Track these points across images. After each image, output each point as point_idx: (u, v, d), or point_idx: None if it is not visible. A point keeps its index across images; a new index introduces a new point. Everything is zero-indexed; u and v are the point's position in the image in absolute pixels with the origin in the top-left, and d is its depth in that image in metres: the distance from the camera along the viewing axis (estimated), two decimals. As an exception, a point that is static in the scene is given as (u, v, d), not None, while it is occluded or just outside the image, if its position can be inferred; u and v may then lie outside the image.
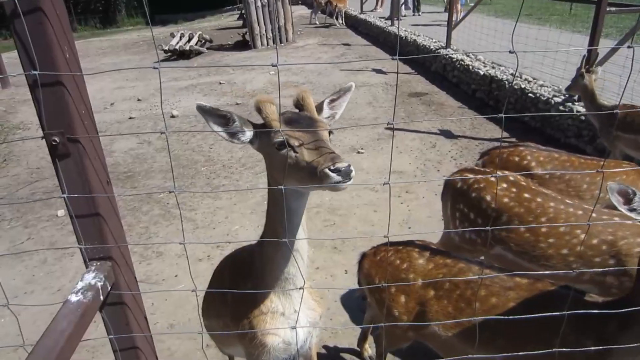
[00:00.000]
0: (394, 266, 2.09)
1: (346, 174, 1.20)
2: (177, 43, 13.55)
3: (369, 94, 8.41)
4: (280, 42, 14.22)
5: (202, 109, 1.32)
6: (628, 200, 1.37)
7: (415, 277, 2.02)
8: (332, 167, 1.20)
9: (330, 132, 1.43)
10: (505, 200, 2.48)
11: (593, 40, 5.40)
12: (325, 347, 2.97)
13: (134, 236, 4.40)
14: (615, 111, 3.92)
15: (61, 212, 4.88)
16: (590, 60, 4.47)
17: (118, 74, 11.40)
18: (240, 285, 1.67)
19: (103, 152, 1.35)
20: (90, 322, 1.33)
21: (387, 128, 6.62)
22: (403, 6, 16.72)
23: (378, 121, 6.94)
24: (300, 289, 1.56)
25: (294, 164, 1.30)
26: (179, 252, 4.09)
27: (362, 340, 2.83)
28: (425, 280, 1.98)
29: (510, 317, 1.68)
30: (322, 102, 1.55)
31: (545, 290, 1.75)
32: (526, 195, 2.45)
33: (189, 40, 14.00)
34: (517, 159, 3.11)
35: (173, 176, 5.74)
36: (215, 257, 3.92)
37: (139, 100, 9.20)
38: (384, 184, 1.27)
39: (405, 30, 12.57)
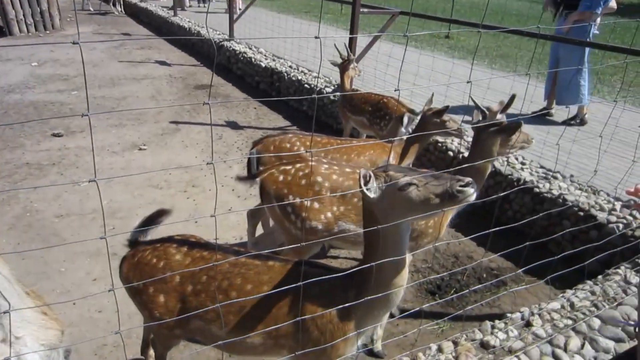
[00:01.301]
0: (151, 265, 2.00)
1: None
2: None
3: (152, 87, 7.99)
4: (45, 29, 12.46)
5: None
6: (366, 182, 1.57)
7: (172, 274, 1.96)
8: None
9: None
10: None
11: (352, 34, 6.07)
12: (104, 361, 2.75)
13: None
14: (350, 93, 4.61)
15: None
16: (350, 55, 5.02)
17: None
18: None
19: None
20: None
21: (171, 122, 6.39)
22: (187, -4, 16.32)
23: (162, 116, 6.65)
24: (5, 312, 1.35)
25: None
26: None
27: (144, 346, 2.69)
28: (172, 273, 1.93)
29: (252, 297, 1.78)
30: None
31: (290, 269, 1.88)
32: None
33: None
34: (288, 145, 3.33)
35: None
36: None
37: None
38: (89, 181, 1.18)
39: (189, 22, 12.28)
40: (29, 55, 9.62)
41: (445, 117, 3.34)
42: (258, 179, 2.77)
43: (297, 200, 2.59)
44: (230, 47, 9.24)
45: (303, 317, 1.64)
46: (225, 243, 3.66)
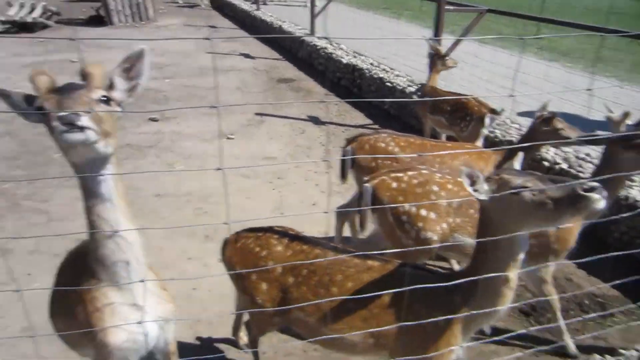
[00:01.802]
0: (253, 253, 2.12)
1: (70, 120, 1.18)
2: (17, 13, 11.93)
3: (238, 78, 8.32)
4: (140, 19, 13.30)
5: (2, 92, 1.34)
6: (473, 182, 1.56)
7: (274, 264, 2.06)
8: (57, 115, 1.19)
9: (108, 100, 1.37)
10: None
11: (437, 34, 6.00)
12: (199, 338, 2.95)
13: (-29, 233, 3.87)
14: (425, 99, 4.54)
15: None
16: (441, 50, 4.98)
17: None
18: (78, 282, 1.56)
19: None
20: None
21: (256, 114, 6.64)
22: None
23: (248, 107, 6.92)
24: (141, 281, 1.51)
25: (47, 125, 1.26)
26: (30, 248, 3.70)
27: (236, 328, 2.84)
28: (278, 264, 2.03)
29: (359, 296, 1.82)
30: (111, 75, 1.45)
31: (393, 270, 1.93)
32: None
33: (32, 11, 12.40)
34: (382, 145, 3.35)
35: (19, 166, 5.11)
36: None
37: (-29, 78, 7.96)
38: (217, 169, 1.29)
39: (271, 16, 12.61)
40: (128, 44, 10.27)
41: (559, 124, 3.08)
42: (369, 185, 2.72)
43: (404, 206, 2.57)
44: (312, 42, 9.41)
45: (408, 323, 1.67)
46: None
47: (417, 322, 1.67)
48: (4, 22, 11.64)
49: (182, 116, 6.52)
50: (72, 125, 1.12)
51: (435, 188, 2.61)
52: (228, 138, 5.86)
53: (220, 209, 4.36)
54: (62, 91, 1.28)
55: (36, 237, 3.83)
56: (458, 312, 1.72)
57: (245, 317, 2.77)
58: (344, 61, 8.10)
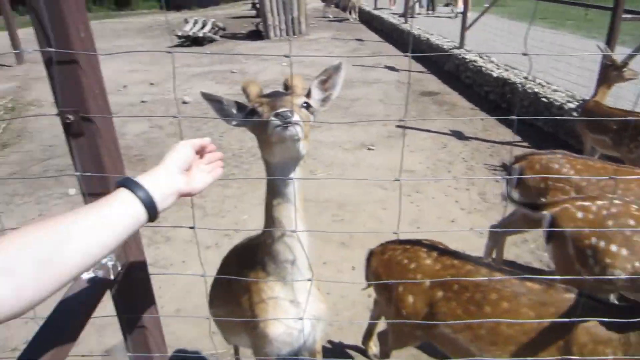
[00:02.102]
0: (402, 265, 2.09)
1: (284, 118, 1.24)
2: (191, 29, 13.54)
3: (381, 91, 8.40)
4: (294, 34, 14.18)
5: (204, 96, 1.47)
6: None
7: (423, 277, 2.02)
8: (274, 112, 1.26)
9: (308, 106, 1.46)
10: None
11: (609, 47, 5.37)
12: (330, 341, 3.00)
13: (143, 220, 4.43)
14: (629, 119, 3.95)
15: (72, 191, 4.91)
16: (616, 61, 4.45)
17: (132, 57, 11.40)
18: (244, 274, 1.67)
19: (116, 132, 1.37)
20: (100, 300, 1.36)
21: (397, 126, 6.62)
22: (417, 4, 16.65)
23: (390, 119, 6.95)
24: (309, 280, 1.56)
25: (259, 129, 1.38)
26: (187, 238, 4.13)
27: (367, 337, 2.84)
28: (431, 280, 1.97)
29: (521, 321, 1.69)
30: (310, 85, 1.56)
31: (558, 296, 1.75)
32: None
33: (203, 27, 13.99)
34: (556, 166, 3.06)
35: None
36: (224, 245, 3.95)
37: (151, 84, 9.22)
38: (394, 179, 1.30)
39: (418, 29, 12.52)
40: (281, 56, 11.07)
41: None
42: (547, 213, 2.49)
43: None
44: (460, 55, 9.12)
45: (573, 358, 1.51)
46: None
47: (582, 359, 1.49)
48: (179, 37, 13.30)
49: (326, 125, 6.76)
50: (286, 121, 1.24)
51: (631, 222, 2.27)
52: (369, 149, 5.92)
53: (356, 217, 4.41)
54: (271, 96, 1.43)
55: (190, 229, 4.27)
56: (630, 353, 1.51)
57: (379, 327, 2.75)
58: (494, 74, 7.69)
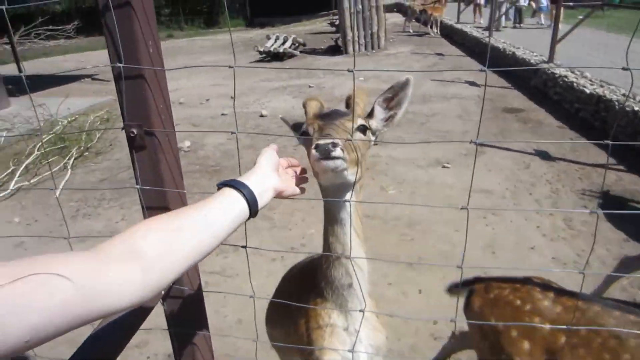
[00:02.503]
0: (514, 307, 1.85)
1: (324, 151, 1.15)
2: (272, 45, 13.97)
3: (460, 106, 8.09)
4: (372, 48, 14.16)
5: (283, 119, 1.53)
6: None
7: (541, 321, 1.76)
8: (315, 143, 1.17)
9: (364, 129, 1.37)
10: None
11: None
12: (391, 368, 2.85)
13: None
14: None
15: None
16: None
17: (215, 71, 11.95)
18: (302, 298, 1.60)
19: (178, 147, 1.37)
20: (149, 312, 1.37)
21: (472, 142, 6.30)
22: (503, 17, 16.00)
23: (467, 135, 6.66)
24: (360, 311, 1.45)
25: (308, 151, 1.29)
26: (254, 250, 4.15)
27: None
28: (556, 326, 1.71)
29: None
30: (374, 103, 1.45)
31: None
32: None
33: (284, 43, 14.38)
34: None
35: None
36: (289, 259, 3.93)
37: (231, 97, 9.58)
38: (461, 208, 1.19)
39: (503, 42, 11.99)
40: (357, 72, 11.07)
41: None
42: None
43: None
44: (549, 70, 8.57)
45: None
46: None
47: None
48: (261, 53, 13.77)
49: (400, 141, 6.62)
50: (325, 155, 1.17)
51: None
52: (444, 167, 5.69)
53: (426, 237, 4.22)
54: (326, 117, 1.36)
55: (260, 241, 4.30)
56: None
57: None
58: (587, 91, 7.13)
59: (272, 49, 13.71)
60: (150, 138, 1.23)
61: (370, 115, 1.44)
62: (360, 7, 13.65)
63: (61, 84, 11.51)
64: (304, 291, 1.64)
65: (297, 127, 1.51)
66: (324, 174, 1.26)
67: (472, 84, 9.76)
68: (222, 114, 8.47)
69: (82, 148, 6.70)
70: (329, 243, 1.44)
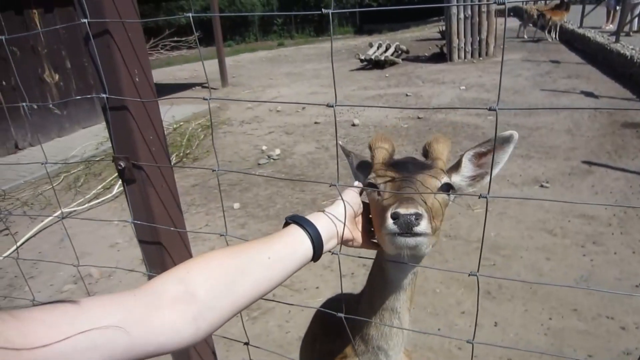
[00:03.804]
0: None
1: (405, 225, 0.91)
2: (374, 53, 13.90)
3: (570, 119, 7.34)
4: (479, 56, 13.46)
5: (343, 150, 1.33)
6: None
7: None
8: (392, 211, 0.92)
9: (448, 188, 1.09)
10: None
11: None
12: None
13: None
14: None
15: (237, 205, 5.36)
16: None
17: (315, 79, 12.18)
18: (331, 342, 1.44)
19: (174, 179, 1.30)
20: None
21: (584, 162, 5.67)
22: (636, 20, 14.27)
23: (575, 153, 6.01)
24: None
25: (375, 208, 1.07)
26: (325, 264, 4.11)
27: None
28: None
29: None
30: (462, 156, 1.17)
31: None
32: None
33: (386, 50, 14.24)
34: None
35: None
36: (359, 276, 3.83)
37: (327, 106, 9.67)
38: (480, 196, 0.99)
39: (632, 49, 10.68)
40: (460, 80, 10.62)
41: None
42: None
43: None
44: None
45: None
46: None
47: None
48: (362, 60, 13.76)
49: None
50: (409, 228, 0.93)
51: None
52: (542, 186, 5.19)
53: (510, 264, 3.86)
54: (400, 167, 1.11)
55: (331, 255, 4.24)
56: None
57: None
58: None
59: (373, 56, 13.64)
60: (139, 171, 1.17)
61: (454, 168, 1.18)
62: (469, 12, 13.06)
63: (175, 91, 12.50)
64: (334, 336, 1.46)
65: (362, 167, 1.27)
66: (396, 250, 0.99)
67: (590, 94, 8.82)
68: (315, 122, 8.58)
69: (181, 154, 7.18)
70: (372, 302, 1.24)
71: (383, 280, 1.20)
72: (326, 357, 1.45)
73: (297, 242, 0.92)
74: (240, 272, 0.79)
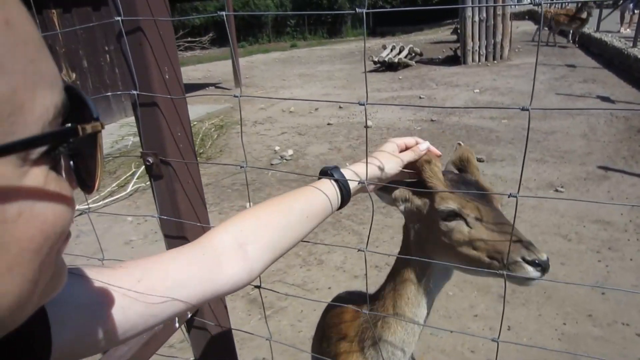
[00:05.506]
0: None
1: (545, 269, 0.97)
2: (387, 55, 13.88)
3: (586, 124, 7.28)
4: (494, 59, 13.38)
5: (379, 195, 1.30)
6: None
7: None
8: (528, 258, 0.96)
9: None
10: None
11: None
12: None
13: (302, 238, 4.60)
14: None
15: (249, 205, 5.39)
16: None
17: (328, 80, 12.21)
18: (338, 346, 1.41)
19: (200, 175, 1.32)
20: (159, 346, 1.34)
21: (600, 167, 5.62)
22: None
23: (591, 157, 5.96)
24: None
25: (464, 241, 1.05)
26: (338, 264, 4.12)
27: None
28: None
29: None
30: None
31: None
32: None
33: (399, 52, 14.21)
34: None
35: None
36: (372, 277, 3.83)
37: (340, 107, 9.69)
38: (509, 195, 1.02)
39: (650, 52, 10.56)
40: (474, 83, 10.57)
41: None
42: None
43: None
44: None
45: None
46: None
47: None
48: (375, 62, 13.75)
49: (509, 159, 6.14)
50: (546, 272, 0.97)
51: None
52: (556, 190, 5.15)
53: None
54: (463, 188, 1.10)
55: (345, 256, 4.26)
56: None
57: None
58: None
59: (386, 58, 13.62)
60: (166, 167, 1.20)
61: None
62: (484, 15, 12.99)
63: (188, 91, 12.56)
64: (343, 339, 1.43)
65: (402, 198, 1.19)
66: (522, 285, 1.02)
67: (606, 99, 8.73)
68: (328, 124, 8.59)
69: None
70: (399, 307, 1.23)
71: (418, 285, 1.19)
72: (334, 356, 1.43)
73: (333, 199, 0.98)
74: (284, 232, 0.89)
